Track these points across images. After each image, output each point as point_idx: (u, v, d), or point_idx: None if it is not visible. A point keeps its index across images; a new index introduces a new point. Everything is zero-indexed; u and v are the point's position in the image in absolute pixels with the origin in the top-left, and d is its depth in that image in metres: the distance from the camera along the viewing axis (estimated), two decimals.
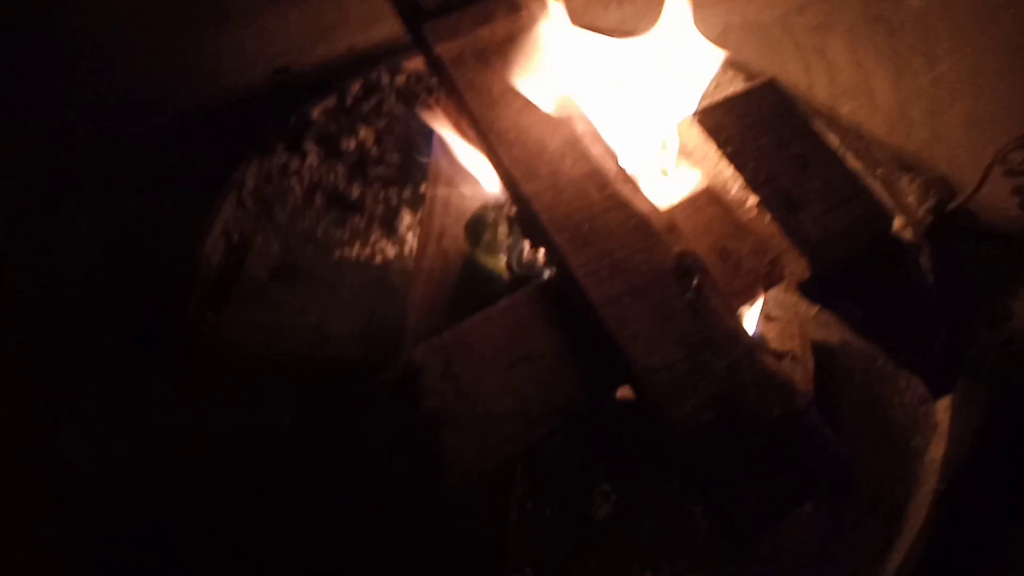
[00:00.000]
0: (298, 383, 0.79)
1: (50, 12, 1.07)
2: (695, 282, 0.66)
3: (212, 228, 0.87)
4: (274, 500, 0.75)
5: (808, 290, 0.73)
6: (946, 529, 0.74)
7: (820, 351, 0.83)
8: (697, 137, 0.75)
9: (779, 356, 0.80)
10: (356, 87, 0.99)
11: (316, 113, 0.97)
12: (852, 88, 1.08)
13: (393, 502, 0.61)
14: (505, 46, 0.76)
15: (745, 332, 0.65)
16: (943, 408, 0.79)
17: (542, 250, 0.73)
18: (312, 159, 0.94)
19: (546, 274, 0.72)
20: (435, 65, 0.75)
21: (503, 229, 0.74)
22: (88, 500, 0.77)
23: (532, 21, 0.78)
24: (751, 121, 0.76)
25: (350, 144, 0.95)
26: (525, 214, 0.70)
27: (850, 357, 0.84)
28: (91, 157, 0.97)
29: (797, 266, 0.71)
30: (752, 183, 0.72)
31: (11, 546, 0.75)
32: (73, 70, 1.04)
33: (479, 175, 0.79)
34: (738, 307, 0.70)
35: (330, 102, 0.98)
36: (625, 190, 0.70)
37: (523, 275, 0.72)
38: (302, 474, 0.75)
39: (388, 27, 0.87)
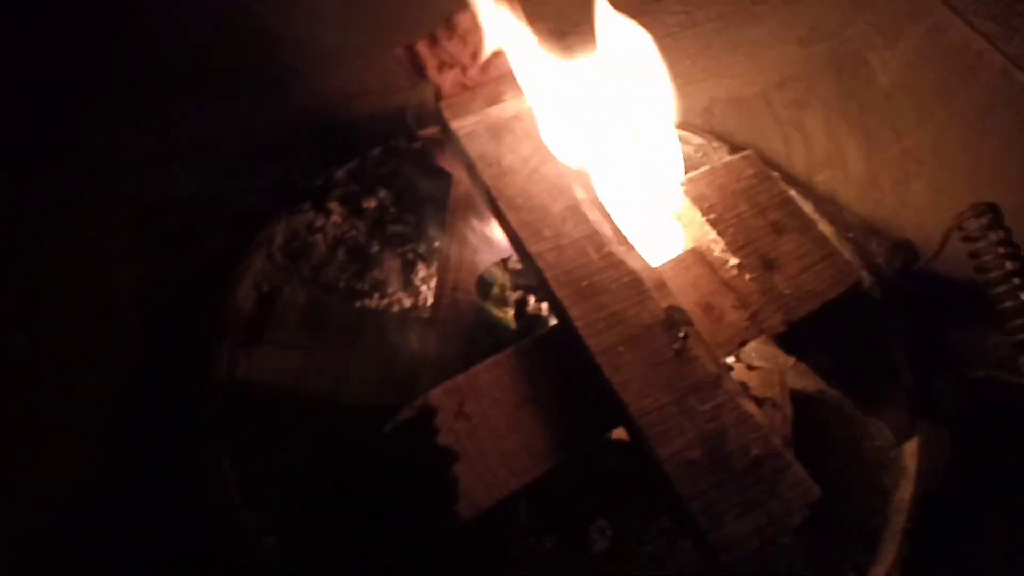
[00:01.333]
0: (321, 423, 0.86)
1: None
2: (682, 334, 0.73)
3: (243, 280, 0.95)
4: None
5: (784, 342, 0.81)
6: (917, 562, 0.80)
7: (798, 398, 0.90)
8: (683, 204, 0.84)
9: (760, 402, 0.87)
10: (377, 151, 1.08)
11: (340, 175, 1.06)
12: (827, 158, 1.17)
13: (410, 527, 0.67)
14: (513, 123, 0.85)
15: (728, 379, 0.72)
16: (911, 452, 0.86)
17: (546, 303, 0.80)
18: (336, 217, 1.02)
19: (549, 325, 0.79)
20: (451, 138, 0.84)
21: (510, 283, 0.82)
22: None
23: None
24: (731, 190, 0.85)
25: (371, 203, 1.03)
26: (531, 271, 0.78)
27: (826, 404, 0.92)
28: (130, 216, 1.04)
29: (774, 320, 0.79)
30: (732, 246, 0.80)
31: None
32: (110, 133, 1.12)
33: (490, 235, 0.88)
34: (721, 356, 0.77)
35: (353, 164, 1.07)
36: (619, 250, 0.77)
37: (529, 325, 0.79)
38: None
39: (404, 98, 0.97)
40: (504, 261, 0.85)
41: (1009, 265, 0.85)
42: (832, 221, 1.03)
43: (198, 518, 0.81)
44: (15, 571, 0.80)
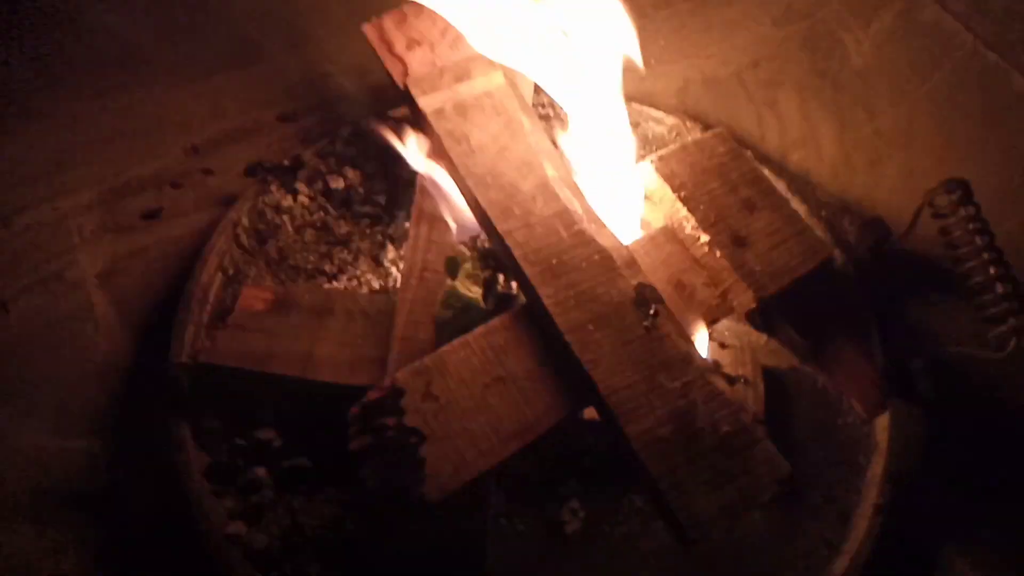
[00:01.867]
0: (289, 405, 0.84)
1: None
2: (652, 311, 0.73)
3: (208, 262, 0.93)
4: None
5: (755, 319, 0.81)
6: (889, 538, 0.80)
7: (771, 376, 0.90)
8: (655, 181, 0.83)
9: (732, 380, 0.87)
10: (346, 131, 1.06)
11: (308, 155, 1.04)
12: (800, 138, 1.17)
13: (378, 508, 0.66)
14: (482, 100, 0.84)
15: (698, 356, 0.72)
16: (882, 428, 0.86)
17: (515, 282, 0.79)
18: (303, 198, 1.01)
19: (519, 304, 0.78)
20: (419, 116, 0.82)
21: (480, 263, 0.81)
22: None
23: (508, 77, 0.86)
24: (702, 168, 0.84)
25: (339, 184, 1.01)
26: (500, 249, 0.77)
27: (798, 382, 0.92)
28: (96, 194, 1.02)
29: (745, 297, 0.79)
30: (703, 223, 0.80)
31: None
32: (79, 109, 1.10)
33: (458, 214, 0.86)
34: (692, 334, 0.76)
35: (322, 144, 1.05)
36: (590, 228, 0.77)
37: (498, 305, 0.78)
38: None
39: (377, 77, 0.95)
40: (473, 240, 0.84)
41: (979, 241, 0.85)
42: (805, 200, 1.03)
43: (166, 503, 0.79)
44: None
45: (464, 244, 0.82)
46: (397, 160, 0.92)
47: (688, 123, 1.12)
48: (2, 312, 0.92)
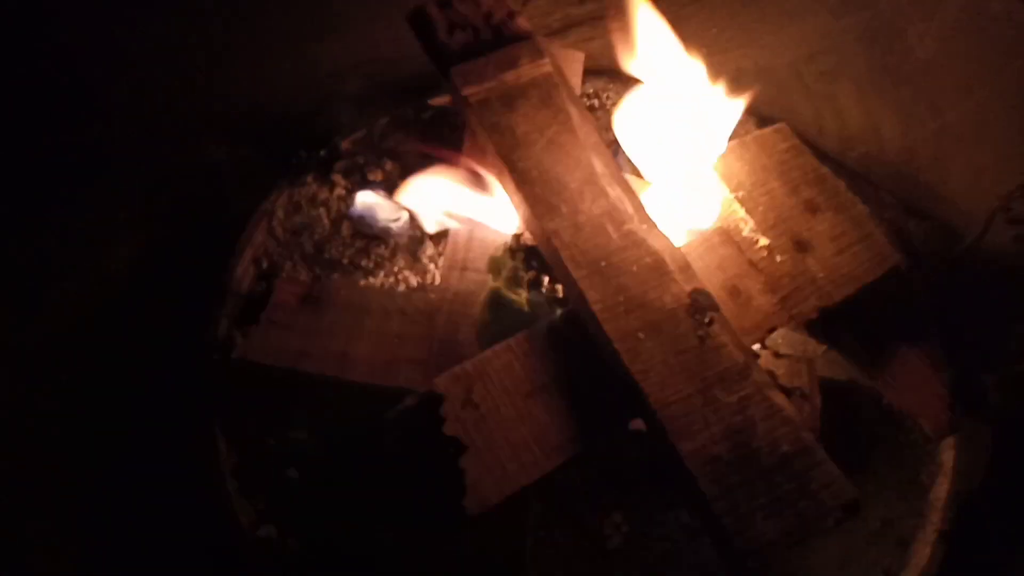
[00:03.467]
0: (323, 406, 0.82)
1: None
2: (707, 319, 0.68)
3: (242, 255, 0.90)
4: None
5: (816, 329, 0.76)
6: (953, 568, 0.75)
7: (828, 389, 0.85)
8: (711, 180, 0.79)
9: (788, 392, 0.82)
10: (384, 121, 1.03)
11: (345, 145, 1.01)
12: (861, 133, 1.11)
13: (415, 520, 0.63)
14: (529, 90, 0.80)
15: (756, 368, 0.68)
16: (948, 447, 0.81)
17: (561, 285, 0.76)
18: (340, 190, 0.98)
19: (565, 308, 0.74)
20: (462, 106, 0.79)
21: (523, 263, 0.77)
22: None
23: (555, 66, 0.82)
24: (761, 165, 0.79)
25: (377, 176, 0.98)
26: (545, 249, 0.73)
27: (858, 395, 0.87)
28: (133, 184, 1.01)
29: (806, 306, 0.74)
30: (762, 225, 0.75)
31: None
32: (115, 97, 1.08)
33: (502, 210, 0.83)
34: (748, 344, 0.72)
35: (359, 135, 1.02)
36: (641, 229, 0.72)
37: (542, 308, 0.75)
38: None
39: (419, 64, 0.91)
40: (517, 237, 0.80)
41: None
42: (867, 200, 0.97)
43: (196, 502, 0.77)
44: (11, 551, 0.77)
45: (507, 243, 0.79)
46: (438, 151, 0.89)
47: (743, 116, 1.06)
48: (34, 302, 0.91)
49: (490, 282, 0.76)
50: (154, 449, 0.84)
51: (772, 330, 0.76)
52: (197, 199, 1.01)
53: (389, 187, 0.99)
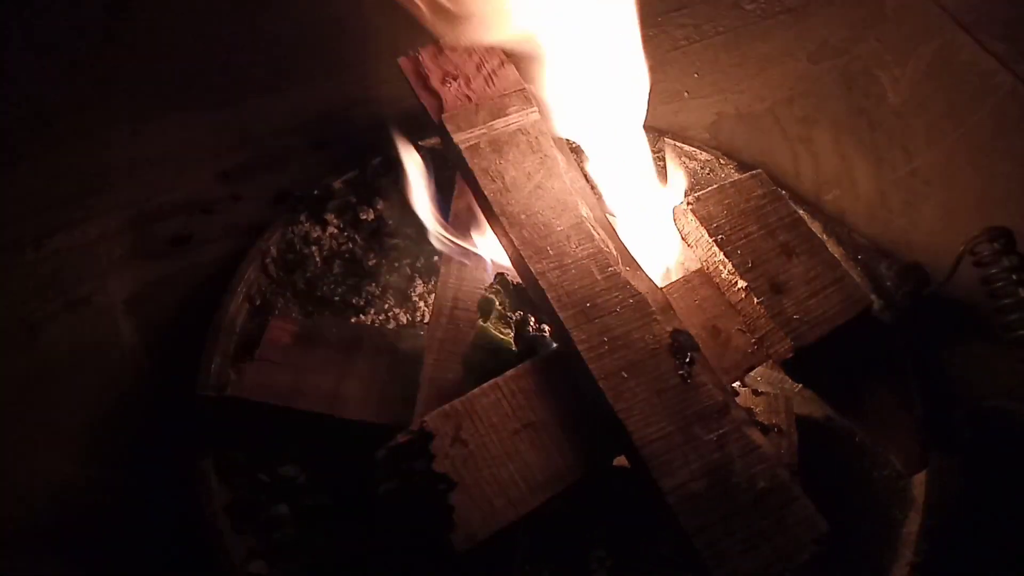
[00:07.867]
0: (313, 441, 0.83)
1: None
2: (687, 359, 0.71)
3: (236, 292, 0.92)
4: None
5: (791, 368, 0.79)
6: None
7: (805, 425, 0.88)
8: (691, 223, 0.82)
9: (765, 429, 0.84)
10: (377, 161, 1.06)
11: (338, 185, 1.03)
12: (836, 177, 1.15)
13: (405, 555, 0.64)
14: (517, 136, 0.83)
15: (734, 406, 0.70)
16: (919, 482, 0.83)
17: (547, 325, 0.78)
18: (332, 228, 1.00)
19: (551, 347, 0.77)
20: (453, 151, 0.82)
21: (511, 303, 0.79)
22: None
23: (542, 113, 0.85)
24: (740, 210, 0.82)
25: (369, 215, 1.01)
26: (533, 290, 0.76)
27: (833, 432, 0.89)
28: (126, 219, 1.03)
29: (782, 346, 0.76)
30: (740, 268, 0.78)
31: None
32: (113, 134, 1.11)
33: (490, 252, 0.85)
34: (727, 383, 0.75)
35: (352, 175, 1.05)
36: (625, 271, 0.75)
37: (529, 347, 0.77)
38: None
39: (409, 104, 0.95)
40: (503, 276, 0.83)
41: (1022, 292, 0.83)
42: (841, 242, 1.01)
43: (187, 538, 0.78)
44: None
45: (496, 282, 0.81)
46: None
47: (722, 159, 1.10)
48: (29, 337, 0.92)
49: (479, 321, 0.79)
50: (146, 485, 0.84)
51: (750, 369, 0.78)
52: (191, 236, 1.03)
53: (379, 226, 1.01)
